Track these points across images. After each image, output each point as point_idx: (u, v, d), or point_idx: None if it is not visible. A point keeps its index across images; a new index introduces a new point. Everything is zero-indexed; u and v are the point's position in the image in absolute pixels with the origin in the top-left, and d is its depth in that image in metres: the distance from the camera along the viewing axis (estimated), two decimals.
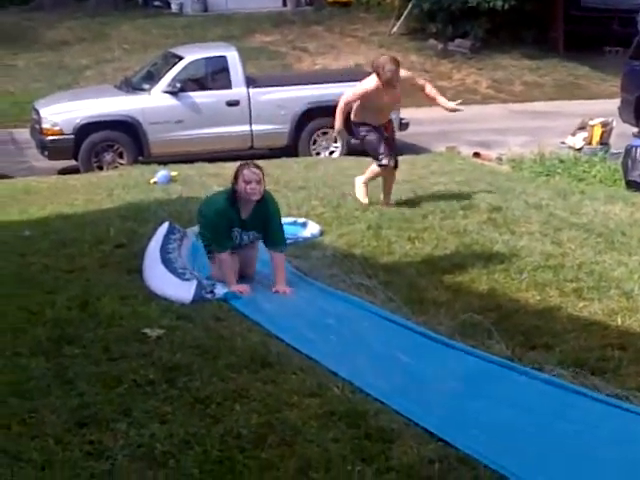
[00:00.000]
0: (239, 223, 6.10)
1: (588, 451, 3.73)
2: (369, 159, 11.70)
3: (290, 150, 13.05)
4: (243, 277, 6.24)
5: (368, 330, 5.32)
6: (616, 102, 14.00)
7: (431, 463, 3.54)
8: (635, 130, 13.33)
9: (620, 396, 4.24)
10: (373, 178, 8.65)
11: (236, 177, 6.04)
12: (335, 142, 13.35)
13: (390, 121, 8.75)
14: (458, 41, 21.93)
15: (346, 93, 8.53)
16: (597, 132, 13.18)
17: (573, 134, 13.58)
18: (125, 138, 12.58)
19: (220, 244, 6.07)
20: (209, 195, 6.76)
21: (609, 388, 4.33)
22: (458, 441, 3.71)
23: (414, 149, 13.85)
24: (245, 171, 6.02)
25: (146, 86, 13.10)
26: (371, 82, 8.21)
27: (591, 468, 3.58)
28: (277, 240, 6.18)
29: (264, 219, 6.14)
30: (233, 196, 6.06)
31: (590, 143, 13.20)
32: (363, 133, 8.48)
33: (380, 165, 8.46)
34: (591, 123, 13.31)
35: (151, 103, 12.75)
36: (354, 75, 14.50)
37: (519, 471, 3.45)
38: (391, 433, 3.82)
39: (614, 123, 13.37)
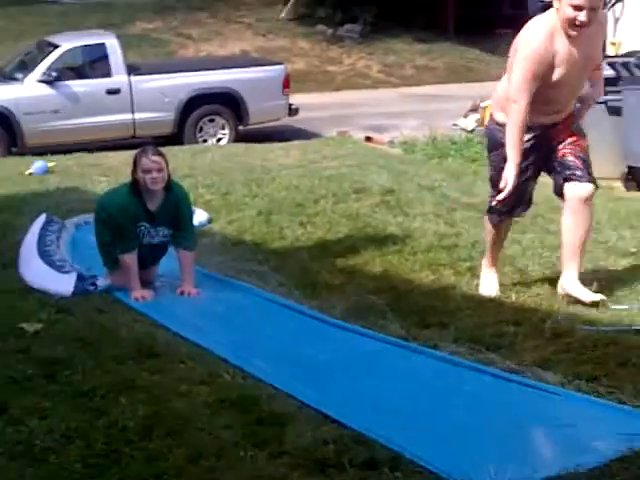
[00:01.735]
0: (146, 217, 5.49)
1: (482, 425, 3.68)
2: (260, 145, 11.65)
3: (175, 138, 12.79)
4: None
5: (259, 316, 5.20)
6: None
7: (326, 444, 3.42)
8: None
9: (516, 370, 4.19)
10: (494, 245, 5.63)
11: (135, 166, 5.49)
12: (223, 129, 13.17)
13: (572, 116, 5.36)
14: (348, 26, 21.88)
15: (519, 66, 5.06)
16: (488, 113, 13.27)
17: (465, 116, 13.70)
18: None
19: (125, 245, 5.46)
20: (108, 190, 6.27)
21: (505, 363, 4.28)
22: (353, 421, 3.61)
23: (305, 134, 13.76)
24: (143, 159, 5.45)
25: (19, 75, 12.73)
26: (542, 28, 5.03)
27: (486, 441, 3.54)
28: (187, 236, 5.65)
29: (174, 211, 5.60)
30: (135, 187, 5.49)
31: (482, 125, 13.30)
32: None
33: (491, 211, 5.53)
34: (482, 105, 13.41)
35: (25, 93, 12.39)
36: (240, 62, 14.40)
37: (414, 448, 3.37)
38: (284, 417, 3.68)
39: None
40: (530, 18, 5.24)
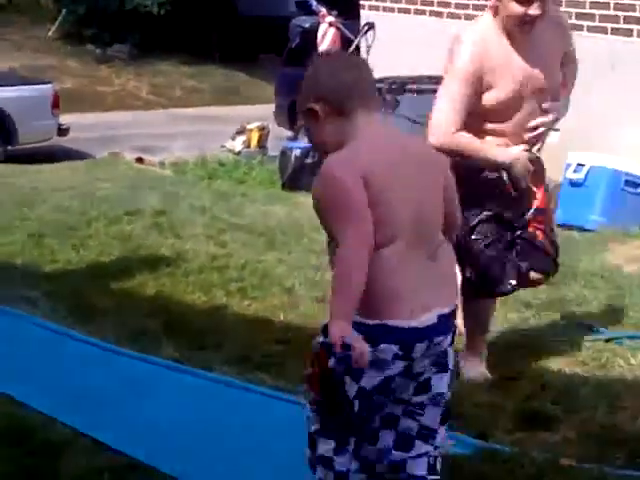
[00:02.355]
0: None
1: (255, 444, 3.80)
2: (30, 166, 11.38)
3: None
4: None
5: (27, 343, 5.08)
6: (271, 107, 14.52)
7: (100, 473, 3.46)
8: (289, 133, 13.91)
9: (283, 388, 4.39)
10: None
11: None
12: None
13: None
14: (117, 46, 21.67)
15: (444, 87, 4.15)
16: (255, 136, 13.60)
17: (232, 138, 13.92)
18: None
19: None
20: None
21: (274, 381, 4.48)
22: (127, 448, 3.66)
23: (76, 155, 13.55)
24: None
25: None
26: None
27: (258, 461, 3.66)
28: None
29: None
30: None
31: (249, 146, 13.60)
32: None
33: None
34: (249, 127, 13.72)
35: None
36: (7, 80, 13.99)
37: (188, 470, 3.48)
38: (59, 447, 3.69)
39: (270, 127, 13.88)
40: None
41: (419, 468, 2.81)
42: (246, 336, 5.19)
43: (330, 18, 11.93)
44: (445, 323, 2.72)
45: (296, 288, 6.07)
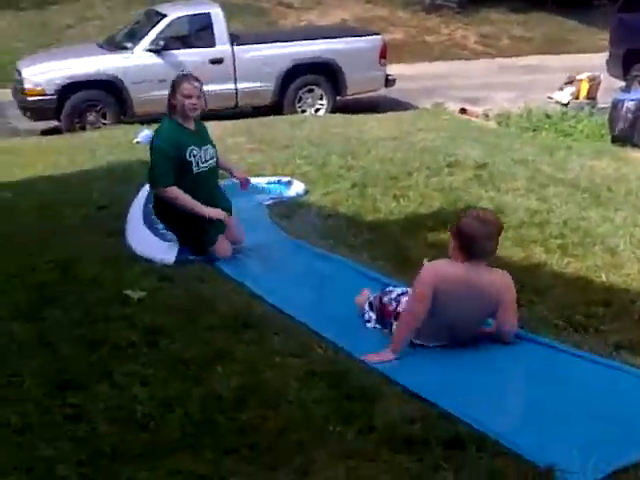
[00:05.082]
0: (193, 140, 5.71)
1: (569, 409, 3.71)
2: (356, 116, 11.69)
3: (275, 108, 12.94)
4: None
5: (352, 290, 5.22)
6: (604, 56, 13.91)
7: (413, 422, 3.52)
8: (622, 84, 13.26)
9: (602, 352, 4.23)
10: None
11: (173, 91, 5.64)
12: (321, 99, 13.27)
13: None
14: None
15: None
16: (584, 87, 13.10)
17: (560, 89, 13.50)
18: (108, 98, 12.44)
19: (166, 176, 5.61)
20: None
21: (593, 345, 4.33)
22: (440, 400, 3.69)
23: (400, 105, 13.77)
24: (185, 84, 5.62)
25: (129, 45, 12.92)
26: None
27: (573, 426, 3.56)
28: None
29: (206, 135, 5.90)
30: (172, 115, 5.70)
31: (577, 98, 13.13)
32: None
33: None
34: (578, 77, 13.23)
35: (134, 62, 12.58)
36: (340, 31, 14.41)
37: (500, 428, 3.44)
38: (373, 393, 3.80)
39: (601, 77, 13.29)
40: None
41: None
42: (563, 295, 5.04)
43: None
44: None
45: (620, 248, 5.81)
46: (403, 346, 4.26)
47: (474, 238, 4.22)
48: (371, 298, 4.75)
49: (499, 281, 4.34)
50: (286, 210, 6.96)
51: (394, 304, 4.53)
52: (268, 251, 6.02)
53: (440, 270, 4.29)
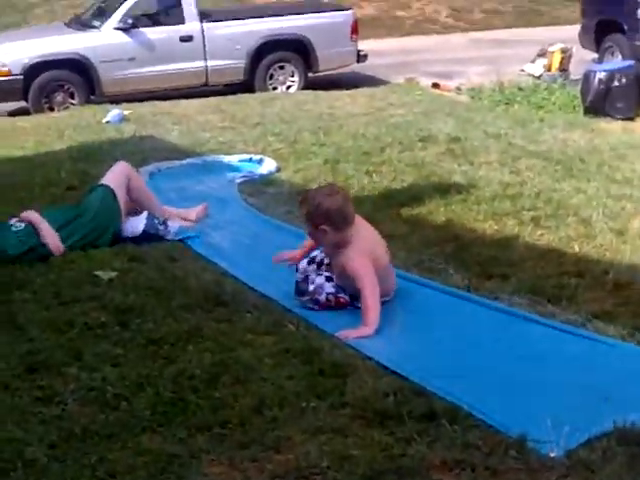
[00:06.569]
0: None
1: (540, 378, 3.71)
2: (328, 92, 11.63)
3: (246, 85, 12.86)
4: None
5: None
6: (576, 28, 13.89)
7: (386, 396, 3.50)
8: (595, 56, 13.26)
9: (575, 322, 4.23)
10: None
11: None
12: (292, 76, 13.20)
13: None
14: None
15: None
16: (556, 58, 13.08)
17: (532, 61, 13.48)
18: (76, 77, 12.29)
19: None
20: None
21: (565, 315, 4.32)
22: (412, 373, 3.68)
23: (372, 81, 13.71)
24: None
25: (97, 23, 12.80)
26: None
27: (544, 395, 3.56)
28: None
29: None
30: None
31: (549, 70, 13.11)
32: None
33: None
34: (550, 50, 13.21)
35: (102, 41, 12.46)
36: (311, 7, 14.33)
37: (472, 401, 3.42)
38: (346, 368, 3.78)
39: (574, 49, 13.28)
40: None
41: None
42: (537, 267, 5.04)
43: None
44: None
45: (593, 219, 5.81)
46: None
47: (340, 208, 4.45)
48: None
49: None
50: (257, 188, 6.93)
51: (340, 293, 4.59)
52: (239, 228, 5.97)
53: (365, 247, 4.51)
